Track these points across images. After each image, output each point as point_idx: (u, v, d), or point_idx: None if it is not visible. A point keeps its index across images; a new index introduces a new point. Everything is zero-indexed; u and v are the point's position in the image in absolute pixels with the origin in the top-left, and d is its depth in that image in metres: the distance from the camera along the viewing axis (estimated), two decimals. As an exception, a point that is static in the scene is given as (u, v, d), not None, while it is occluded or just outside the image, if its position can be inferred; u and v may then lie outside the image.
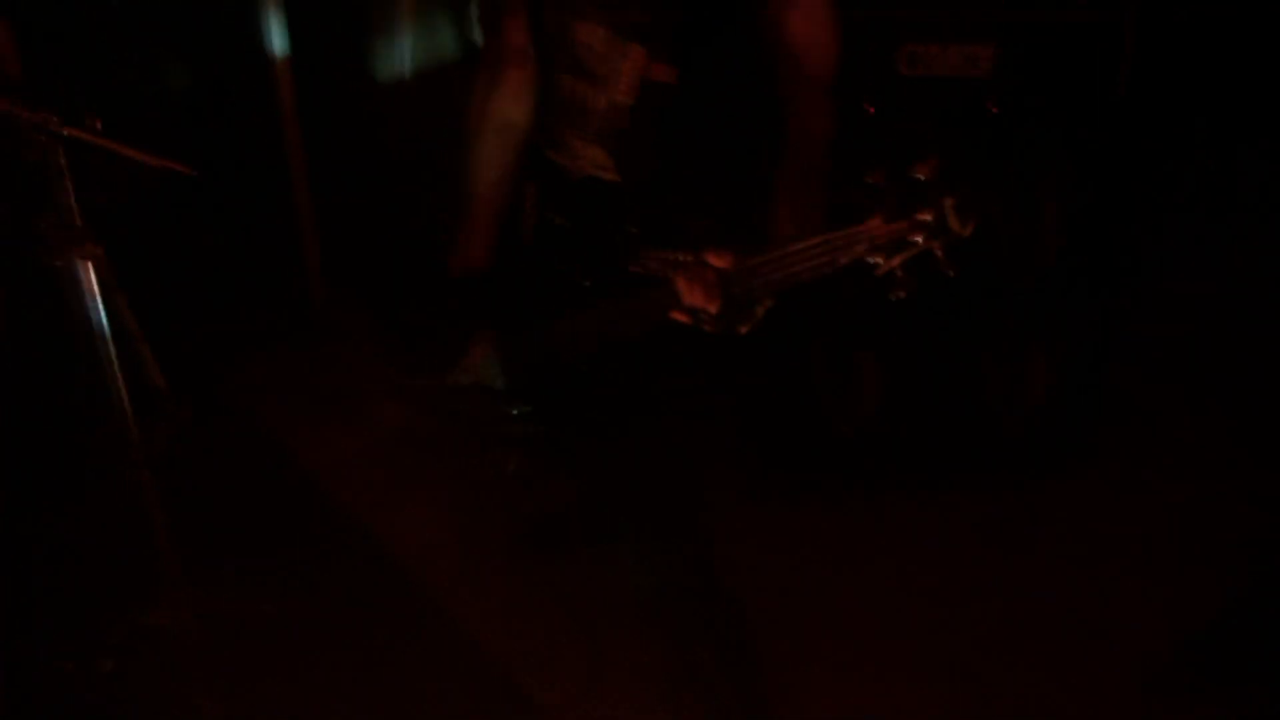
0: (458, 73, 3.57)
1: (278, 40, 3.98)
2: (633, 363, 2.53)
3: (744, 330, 2.29)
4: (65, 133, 2.46)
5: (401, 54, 3.97)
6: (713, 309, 2.25)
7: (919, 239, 2.00)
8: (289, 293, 4.37)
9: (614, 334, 2.46)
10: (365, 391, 4.08)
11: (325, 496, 3.72)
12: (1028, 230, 3.53)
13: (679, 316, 2.31)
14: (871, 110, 3.33)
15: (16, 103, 2.44)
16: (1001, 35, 3.35)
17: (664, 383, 2.59)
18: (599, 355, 2.53)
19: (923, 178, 1.98)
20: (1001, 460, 3.80)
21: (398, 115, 4.10)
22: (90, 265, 2.57)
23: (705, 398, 2.65)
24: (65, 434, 3.52)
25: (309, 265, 4.34)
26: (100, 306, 2.63)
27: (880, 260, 2.03)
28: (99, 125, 2.59)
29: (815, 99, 2.47)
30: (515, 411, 2.71)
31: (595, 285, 2.48)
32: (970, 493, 3.77)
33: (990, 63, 3.36)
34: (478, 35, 3.54)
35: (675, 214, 2.42)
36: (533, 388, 2.68)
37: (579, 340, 2.53)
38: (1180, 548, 3.58)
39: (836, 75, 2.48)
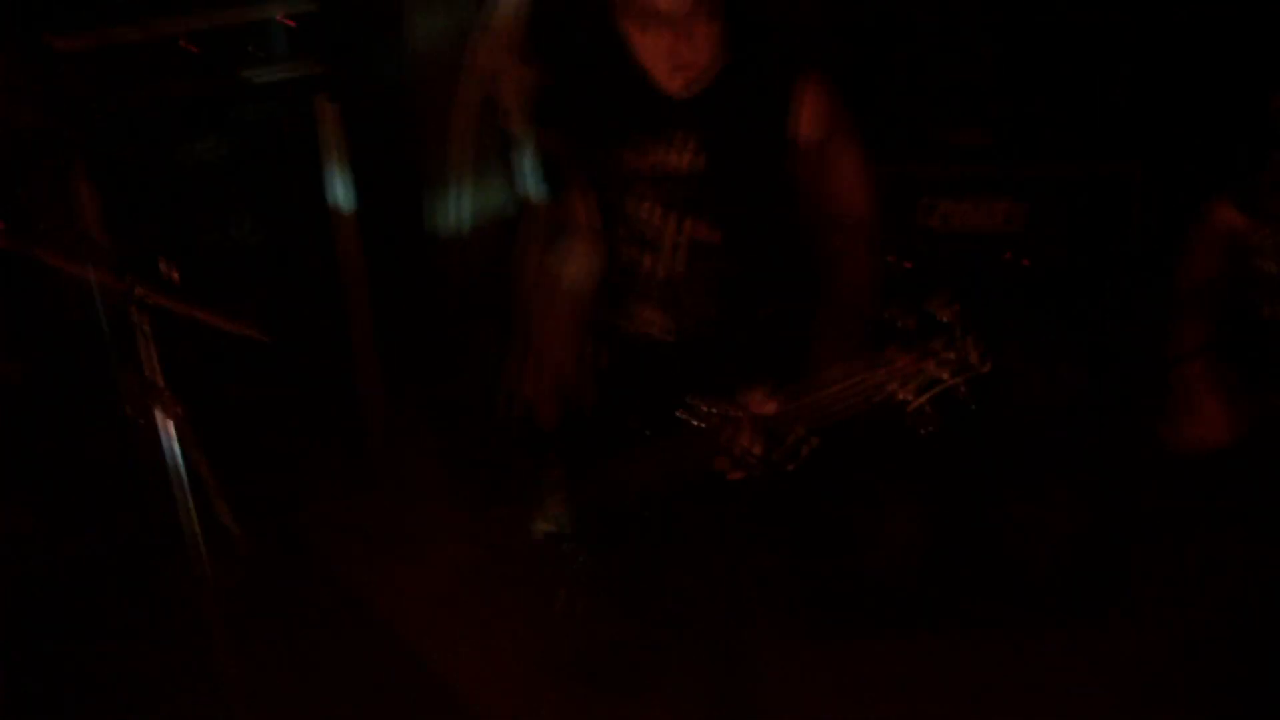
0: (514, 226, 3.70)
1: (342, 193, 4.16)
2: (686, 503, 2.66)
3: (790, 468, 2.39)
4: (148, 300, 2.62)
5: (462, 206, 4.13)
6: (757, 451, 2.38)
7: (944, 375, 2.14)
8: (354, 437, 4.47)
9: (667, 480, 2.59)
10: (429, 532, 4.15)
11: (388, 635, 3.79)
12: (1054, 374, 3.63)
13: (725, 463, 2.44)
14: (909, 266, 3.45)
15: (101, 270, 2.60)
16: (1031, 191, 3.49)
17: (711, 519, 2.71)
18: (656, 499, 2.66)
19: (945, 318, 2.14)
20: (1035, 598, 3.83)
21: (459, 266, 4.24)
22: (172, 422, 2.71)
23: (750, 534, 2.76)
24: (140, 570, 3.65)
25: (373, 410, 4.45)
26: (180, 458, 2.75)
27: (910, 397, 2.17)
28: (176, 276, 2.74)
29: (858, 251, 2.63)
30: (576, 552, 2.84)
31: (653, 434, 2.60)
32: (999, 631, 3.76)
33: (1021, 218, 3.49)
34: (530, 190, 3.70)
35: (725, 365, 2.55)
36: (594, 530, 2.81)
37: (636, 485, 2.66)
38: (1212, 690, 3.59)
39: (877, 229, 2.65)
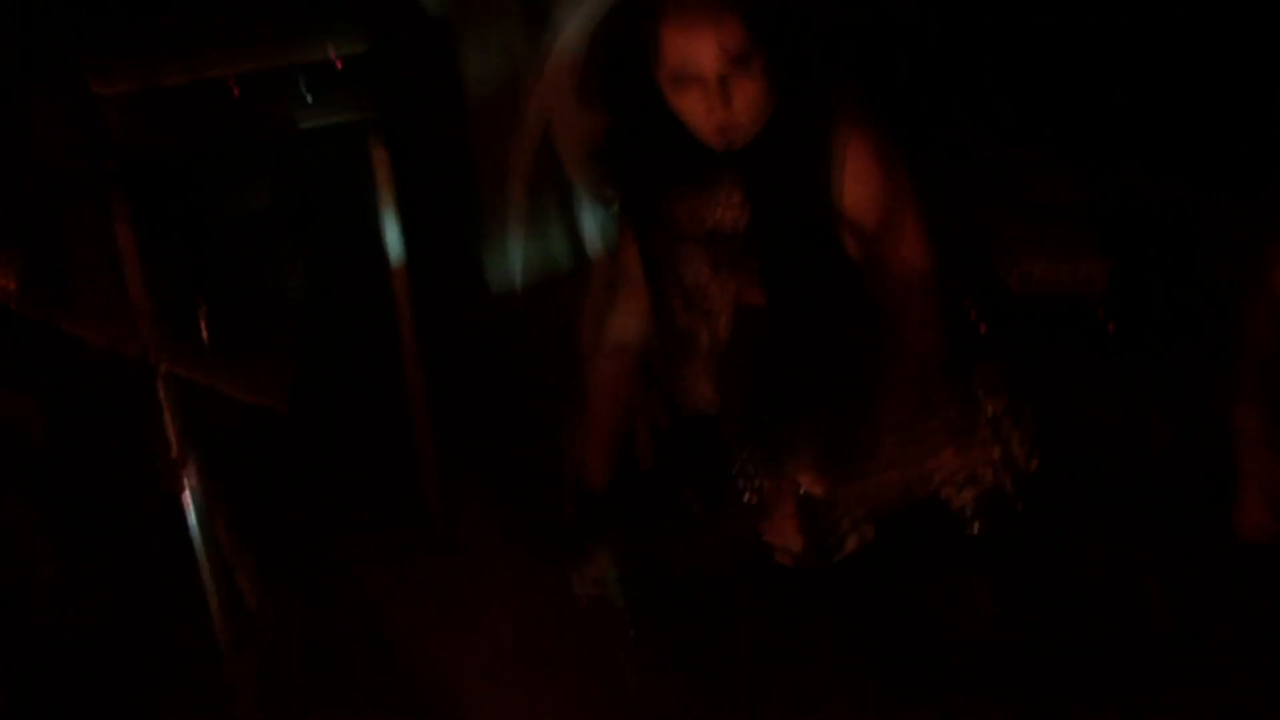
0: (573, 282, 3.61)
1: (394, 244, 4.04)
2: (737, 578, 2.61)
3: (835, 559, 2.35)
4: (163, 368, 2.51)
5: (519, 258, 4.04)
6: (796, 547, 2.33)
7: (988, 474, 2.09)
8: (407, 501, 4.41)
9: (717, 554, 2.55)
10: (484, 602, 4.08)
11: (442, 706, 3.69)
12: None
13: (775, 553, 2.40)
14: (984, 329, 3.30)
15: (114, 338, 2.52)
16: (1115, 252, 3.34)
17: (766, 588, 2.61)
18: (705, 572, 2.63)
19: (991, 412, 2.07)
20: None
21: (516, 320, 4.15)
22: (188, 494, 2.63)
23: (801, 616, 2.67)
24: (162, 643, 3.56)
25: (426, 473, 4.36)
26: (198, 530, 2.68)
27: (953, 495, 2.12)
28: (205, 337, 2.66)
29: (916, 320, 2.49)
30: (633, 625, 2.79)
31: (703, 506, 2.56)
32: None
33: (1104, 280, 3.33)
34: (589, 243, 3.63)
35: (774, 438, 2.46)
36: (650, 602, 2.75)
37: (686, 557, 2.62)
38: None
39: (938, 291, 2.52)
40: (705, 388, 2.62)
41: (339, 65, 3.82)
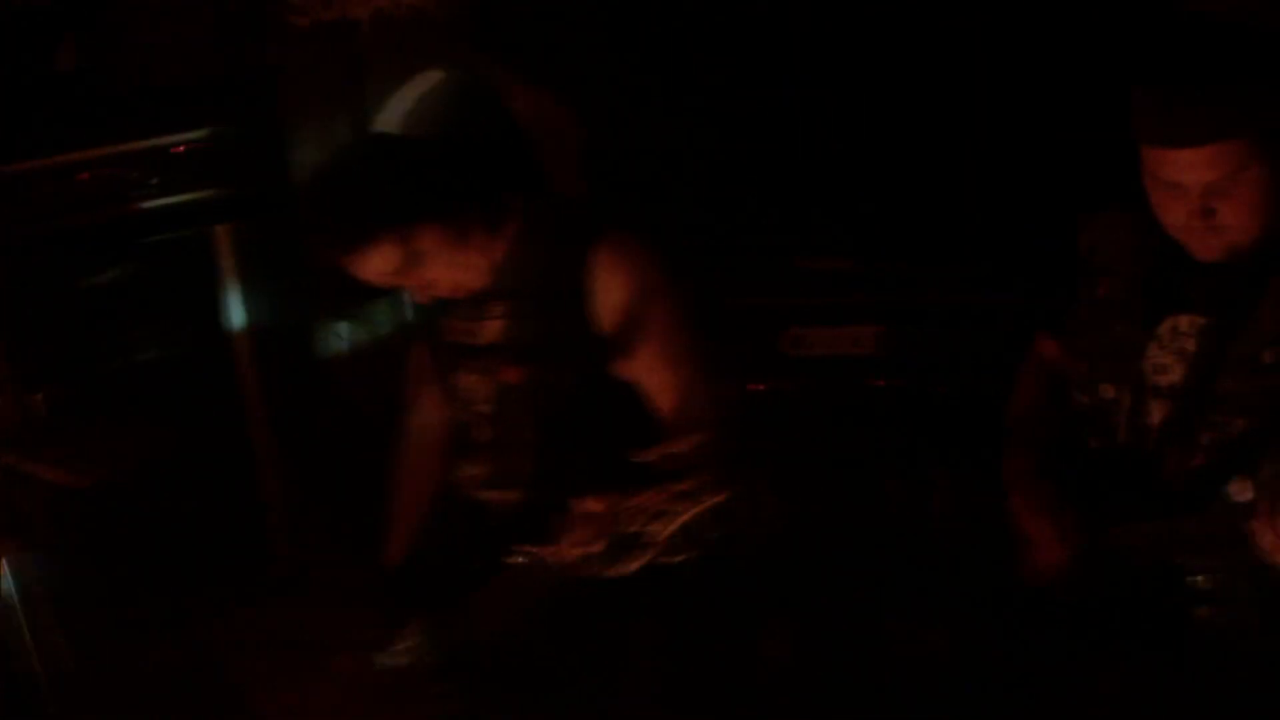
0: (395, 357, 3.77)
1: (239, 316, 4.24)
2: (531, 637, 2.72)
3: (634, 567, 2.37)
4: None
5: (350, 335, 4.22)
6: (598, 546, 2.35)
7: (684, 507, 2.20)
8: (254, 556, 4.51)
9: (522, 613, 2.66)
10: (330, 651, 4.16)
11: None
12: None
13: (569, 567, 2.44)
14: (761, 388, 3.52)
15: None
16: (887, 316, 3.58)
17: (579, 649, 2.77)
18: (515, 633, 2.71)
19: (679, 450, 2.24)
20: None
21: (355, 391, 4.31)
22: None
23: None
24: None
25: (276, 528, 4.50)
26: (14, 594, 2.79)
27: (657, 529, 2.22)
28: (42, 404, 2.80)
29: (692, 398, 2.69)
30: (444, 690, 2.86)
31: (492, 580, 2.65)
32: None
33: (874, 341, 3.57)
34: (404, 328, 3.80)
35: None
36: (462, 666, 2.81)
37: (494, 619, 2.70)
38: None
39: (712, 370, 2.72)
40: (480, 470, 2.83)
41: (179, 151, 4.04)
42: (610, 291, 2.65)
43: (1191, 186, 2.37)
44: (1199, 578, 2.50)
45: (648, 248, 2.70)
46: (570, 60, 3.75)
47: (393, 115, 3.77)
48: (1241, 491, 2.44)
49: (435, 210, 2.62)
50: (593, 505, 2.36)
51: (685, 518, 2.21)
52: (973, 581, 3.45)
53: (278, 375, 4.35)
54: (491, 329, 2.76)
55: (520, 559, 2.52)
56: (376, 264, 2.60)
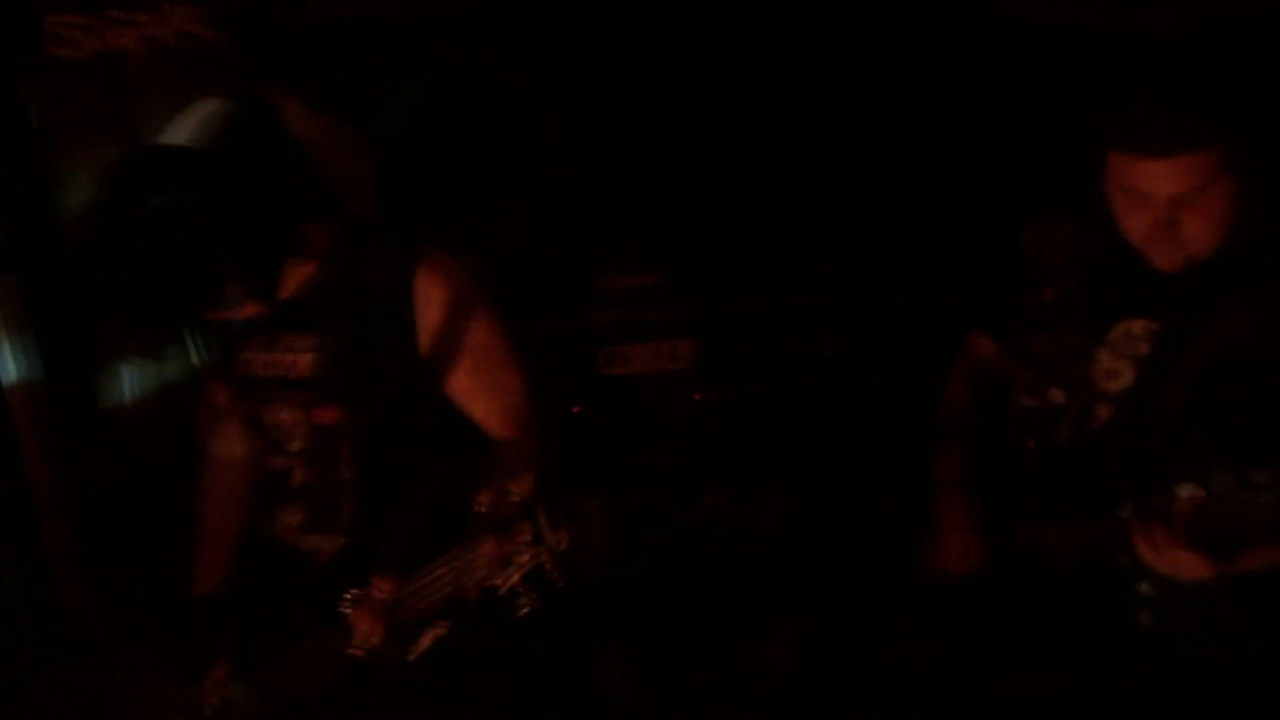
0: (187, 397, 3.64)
1: (14, 367, 4.03)
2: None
3: (411, 658, 2.42)
4: None
5: (138, 380, 4.05)
6: (376, 639, 2.38)
7: (526, 556, 2.20)
8: (41, 613, 4.32)
9: (314, 674, 2.56)
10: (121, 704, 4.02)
11: None
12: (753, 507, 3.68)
13: (357, 652, 2.43)
14: (578, 410, 3.46)
15: None
16: (700, 328, 3.55)
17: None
18: (317, 685, 2.59)
19: (517, 496, 2.20)
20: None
21: (140, 441, 4.15)
22: None
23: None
24: None
25: (63, 578, 4.30)
26: None
27: (500, 580, 2.22)
28: None
29: (515, 445, 2.63)
30: None
31: (309, 624, 2.56)
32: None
33: (691, 354, 3.53)
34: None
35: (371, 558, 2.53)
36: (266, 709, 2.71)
37: (317, 672, 2.60)
38: None
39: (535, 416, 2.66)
40: (292, 513, 2.71)
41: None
42: (434, 313, 2.55)
43: (1158, 197, 2.38)
44: (1143, 584, 2.51)
45: (468, 268, 2.61)
46: (363, 83, 3.64)
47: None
48: (1188, 494, 2.43)
49: (230, 242, 2.51)
50: (377, 591, 2.36)
51: (528, 566, 2.20)
52: (811, 583, 3.52)
53: (62, 426, 4.15)
54: (302, 363, 2.63)
55: (348, 607, 2.45)
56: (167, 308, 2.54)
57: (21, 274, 3.96)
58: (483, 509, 2.22)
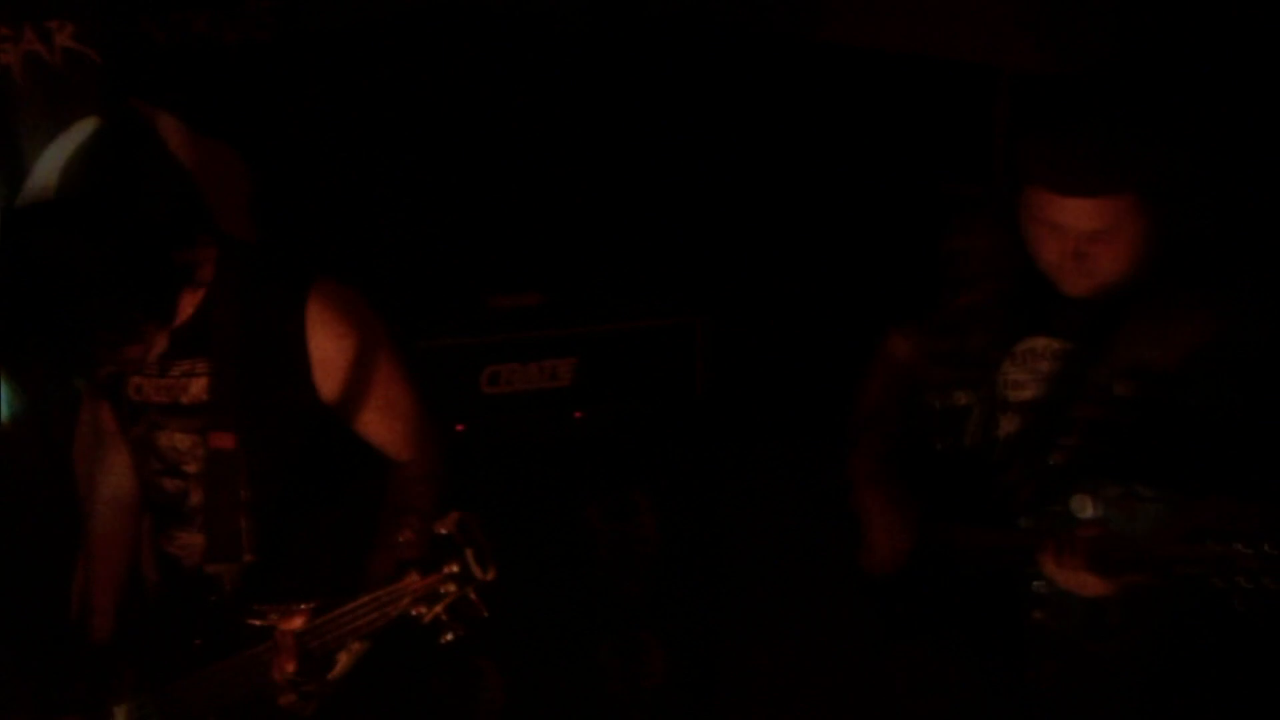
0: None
1: None
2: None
3: (331, 684, 2.39)
4: None
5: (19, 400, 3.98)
6: (290, 669, 2.36)
7: (452, 588, 2.22)
8: None
9: (230, 696, 2.56)
10: None
11: None
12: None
13: (273, 687, 2.42)
14: (460, 428, 3.49)
15: None
16: (580, 347, 3.62)
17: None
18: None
19: (444, 532, 2.22)
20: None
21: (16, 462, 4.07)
22: None
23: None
24: None
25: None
26: None
27: (424, 610, 2.23)
28: None
29: (413, 463, 2.67)
30: None
31: (214, 652, 2.57)
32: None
33: (571, 373, 3.60)
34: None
35: (272, 582, 2.57)
36: None
37: (206, 703, 2.60)
38: None
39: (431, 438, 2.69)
40: (189, 537, 2.70)
41: None
42: (328, 342, 2.57)
43: (1071, 230, 2.48)
44: (1038, 583, 2.59)
45: (358, 294, 2.64)
46: (238, 106, 3.64)
47: (49, 167, 3.57)
48: (1082, 508, 2.55)
49: (110, 278, 2.46)
50: (291, 623, 2.35)
51: (453, 599, 2.22)
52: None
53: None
54: (196, 387, 2.61)
55: (258, 621, 2.45)
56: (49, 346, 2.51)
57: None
58: (407, 543, 2.31)
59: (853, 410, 2.93)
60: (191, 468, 2.65)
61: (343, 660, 2.38)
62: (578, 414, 3.60)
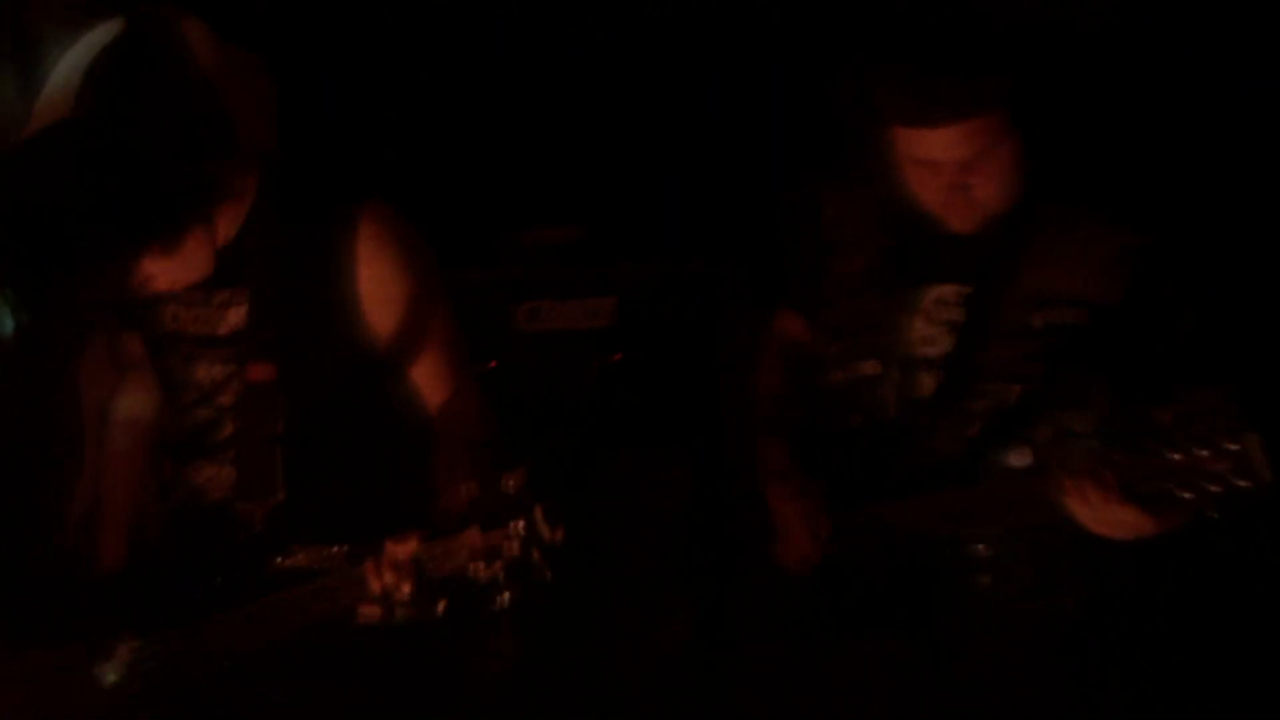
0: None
1: None
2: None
3: (440, 611, 2.30)
4: None
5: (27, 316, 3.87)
6: (406, 589, 2.26)
7: (514, 547, 2.12)
8: None
9: (267, 637, 2.44)
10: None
11: None
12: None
13: (370, 609, 2.31)
14: (493, 365, 3.37)
15: None
16: (621, 287, 3.50)
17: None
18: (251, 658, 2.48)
19: (513, 488, 2.13)
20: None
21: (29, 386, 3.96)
22: None
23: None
24: None
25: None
26: None
27: (480, 568, 2.15)
28: None
29: (458, 402, 2.56)
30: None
31: (230, 586, 2.47)
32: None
33: (611, 315, 3.47)
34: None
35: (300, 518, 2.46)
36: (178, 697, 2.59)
37: (226, 644, 2.49)
38: None
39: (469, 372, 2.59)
40: (216, 472, 2.57)
41: None
42: (380, 269, 2.45)
43: (946, 163, 2.41)
44: (979, 546, 2.54)
45: (409, 220, 2.51)
46: (265, 18, 3.51)
47: (66, 76, 3.42)
48: (1020, 458, 2.50)
49: (144, 207, 2.35)
50: (401, 551, 2.24)
51: (514, 559, 2.14)
52: (719, 560, 3.47)
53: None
54: (235, 315, 2.50)
55: (287, 562, 2.40)
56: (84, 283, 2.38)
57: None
58: (471, 498, 2.18)
59: (749, 400, 2.86)
60: (225, 399, 2.53)
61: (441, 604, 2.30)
62: (616, 356, 3.47)
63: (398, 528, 2.30)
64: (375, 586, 2.28)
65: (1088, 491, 2.31)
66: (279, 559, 2.40)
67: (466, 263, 3.39)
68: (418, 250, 2.51)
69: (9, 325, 3.82)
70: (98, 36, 3.42)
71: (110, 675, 2.59)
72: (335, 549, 2.35)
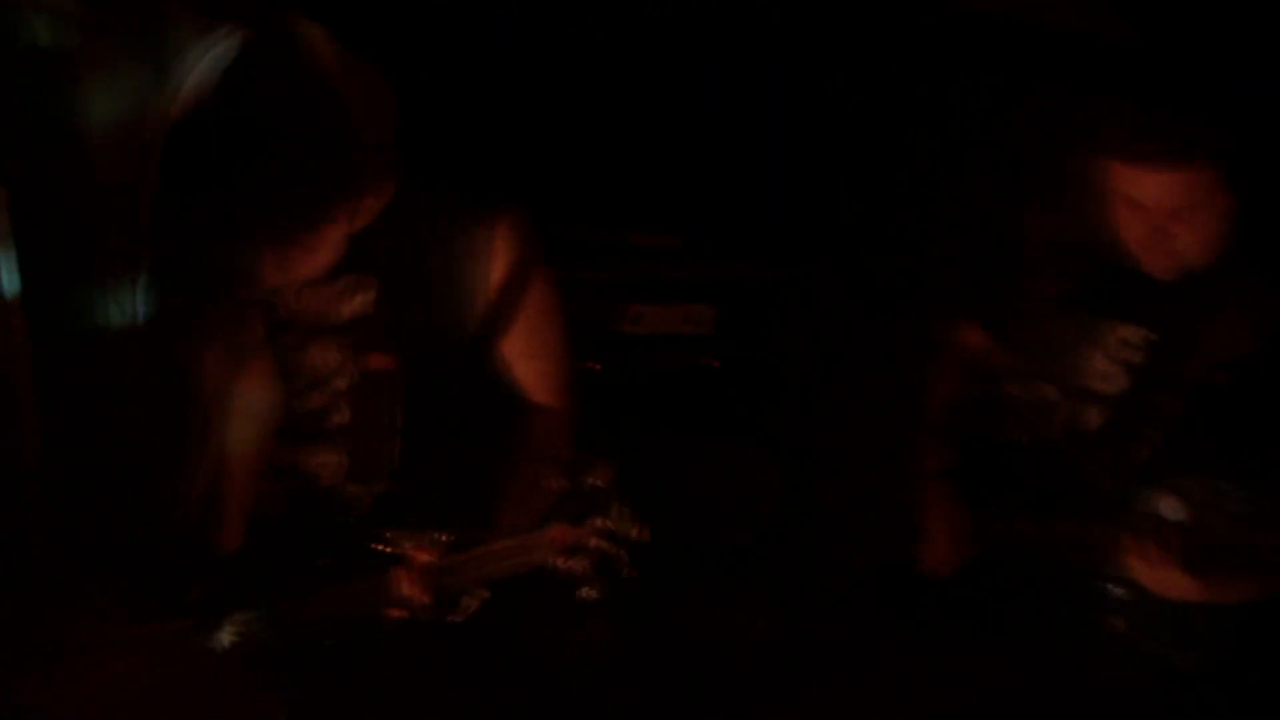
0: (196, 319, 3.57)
1: (5, 280, 3.93)
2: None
3: (458, 619, 2.39)
4: None
5: (138, 300, 3.96)
6: (426, 599, 2.35)
7: (602, 545, 2.22)
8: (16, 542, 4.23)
9: (338, 617, 2.52)
10: (90, 641, 3.94)
11: None
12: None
13: (394, 610, 2.40)
14: (598, 368, 3.44)
15: None
16: (721, 293, 3.56)
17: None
18: (338, 631, 2.56)
19: (599, 484, 2.21)
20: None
21: (132, 365, 4.07)
22: None
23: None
24: None
25: (36, 513, 4.22)
26: None
27: (564, 563, 2.23)
28: None
29: (549, 407, 2.62)
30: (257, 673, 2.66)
31: (335, 568, 2.53)
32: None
33: (710, 322, 3.54)
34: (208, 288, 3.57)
35: (406, 508, 2.53)
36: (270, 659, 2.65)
37: (317, 616, 2.57)
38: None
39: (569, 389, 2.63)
40: (329, 456, 2.65)
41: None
42: (511, 270, 2.52)
43: (1157, 207, 2.43)
44: (1119, 589, 2.59)
45: (535, 226, 2.58)
46: (379, 21, 3.59)
47: (200, 82, 3.53)
48: (1171, 509, 2.53)
49: (285, 200, 2.43)
50: (424, 556, 2.33)
51: (598, 554, 2.22)
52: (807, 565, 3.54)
53: (51, 346, 4.06)
54: (360, 302, 2.57)
55: (386, 547, 2.45)
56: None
57: (10, 187, 3.86)
58: (558, 494, 2.25)
59: (923, 403, 2.88)
60: (340, 384, 2.61)
61: (467, 606, 2.39)
62: (715, 361, 3.54)
63: (492, 520, 2.40)
64: (399, 592, 2.37)
65: (1149, 552, 2.40)
66: (382, 545, 2.46)
67: (574, 263, 3.50)
68: (541, 255, 2.58)
69: (140, 310, 3.95)
70: (231, 39, 3.55)
71: (222, 641, 2.67)
72: (438, 534, 2.40)
